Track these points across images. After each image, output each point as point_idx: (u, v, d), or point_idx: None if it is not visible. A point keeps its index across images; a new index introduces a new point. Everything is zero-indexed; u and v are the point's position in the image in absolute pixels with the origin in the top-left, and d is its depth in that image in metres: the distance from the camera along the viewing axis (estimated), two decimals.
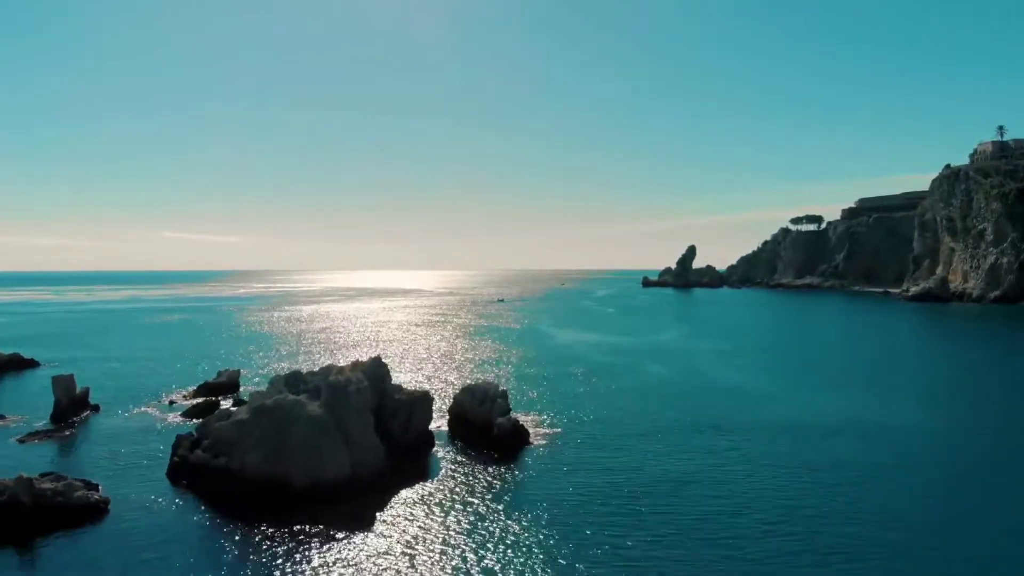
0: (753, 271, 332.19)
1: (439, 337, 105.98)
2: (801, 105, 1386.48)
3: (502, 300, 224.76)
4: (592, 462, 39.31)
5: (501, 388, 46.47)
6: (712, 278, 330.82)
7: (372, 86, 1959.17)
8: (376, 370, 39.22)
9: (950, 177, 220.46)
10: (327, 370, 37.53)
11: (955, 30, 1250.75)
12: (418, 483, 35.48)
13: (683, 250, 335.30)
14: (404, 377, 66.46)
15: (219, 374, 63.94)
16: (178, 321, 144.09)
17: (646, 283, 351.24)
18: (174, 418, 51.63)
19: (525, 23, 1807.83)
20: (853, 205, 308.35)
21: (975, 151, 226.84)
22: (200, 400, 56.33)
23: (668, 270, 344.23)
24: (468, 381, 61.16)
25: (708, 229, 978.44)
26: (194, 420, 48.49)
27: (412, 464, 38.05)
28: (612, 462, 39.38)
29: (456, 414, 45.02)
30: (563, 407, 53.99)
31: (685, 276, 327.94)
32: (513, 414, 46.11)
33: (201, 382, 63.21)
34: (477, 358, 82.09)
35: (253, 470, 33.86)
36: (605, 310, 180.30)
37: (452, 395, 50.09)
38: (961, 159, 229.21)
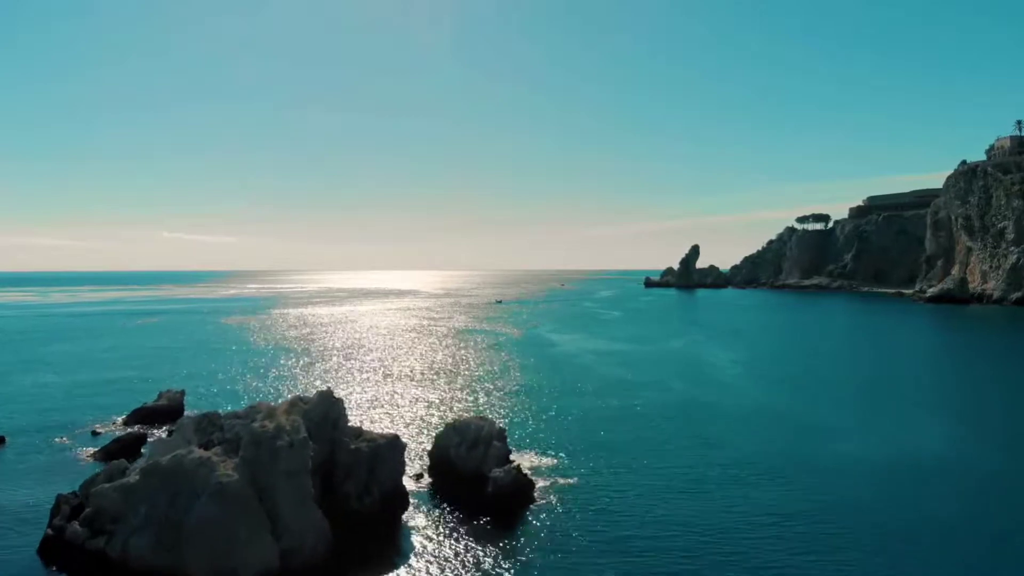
0: (758, 271, 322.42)
1: (426, 347, 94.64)
2: (804, 103, 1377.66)
3: (500, 302, 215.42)
4: (620, 533, 28.81)
5: (498, 426, 35.67)
6: (716, 278, 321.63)
7: (372, 86, 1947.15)
8: (324, 409, 28.50)
9: (967, 174, 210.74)
10: (252, 412, 26.92)
11: (963, 27, 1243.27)
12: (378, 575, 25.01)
13: (686, 250, 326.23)
14: (372, 407, 54.01)
15: (159, 396, 53.32)
16: (150, 326, 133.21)
17: (648, 284, 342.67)
18: (88, 456, 41.26)
19: (526, 24, 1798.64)
20: (861, 203, 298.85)
21: (992, 147, 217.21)
22: (128, 431, 45.98)
23: (671, 270, 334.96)
24: (456, 411, 50.61)
25: (711, 229, 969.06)
26: (116, 460, 38.02)
27: (373, 541, 27.45)
28: (647, 531, 29.00)
29: (438, 461, 34.19)
30: (576, 446, 42.70)
31: (688, 276, 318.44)
32: (513, 457, 35.79)
33: (140, 404, 52.65)
34: (468, 376, 69.90)
35: (138, 559, 23.56)
36: (609, 313, 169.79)
37: (435, 434, 38.51)
38: (969, 159, 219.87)
